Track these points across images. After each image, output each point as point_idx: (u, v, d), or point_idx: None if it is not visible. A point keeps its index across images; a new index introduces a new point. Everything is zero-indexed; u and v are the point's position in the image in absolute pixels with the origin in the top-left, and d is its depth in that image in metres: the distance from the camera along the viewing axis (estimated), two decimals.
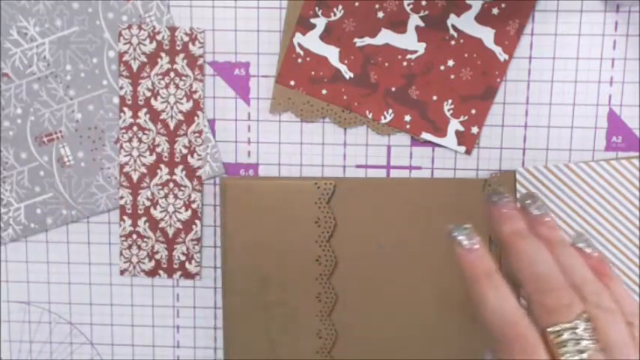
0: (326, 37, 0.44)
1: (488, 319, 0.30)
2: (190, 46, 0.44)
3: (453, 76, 0.44)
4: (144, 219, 0.46)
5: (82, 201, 0.47)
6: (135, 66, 0.45)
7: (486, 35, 0.43)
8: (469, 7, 0.43)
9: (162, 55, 0.45)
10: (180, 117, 0.45)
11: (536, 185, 0.43)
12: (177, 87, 0.45)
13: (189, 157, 0.46)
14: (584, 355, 0.28)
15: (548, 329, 0.28)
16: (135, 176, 0.46)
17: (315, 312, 0.45)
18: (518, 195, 0.43)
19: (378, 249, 0.45)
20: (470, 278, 0.31)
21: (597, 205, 0.43)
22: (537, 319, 0.29)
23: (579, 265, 0.30)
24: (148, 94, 0.45)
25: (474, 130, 0.44)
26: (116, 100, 0.45)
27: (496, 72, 0.43)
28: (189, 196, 0.46)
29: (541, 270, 0.30)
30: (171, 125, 0.45)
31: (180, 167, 0.46)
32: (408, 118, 0.44)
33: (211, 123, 0.46)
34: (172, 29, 0.44)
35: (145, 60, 0.45)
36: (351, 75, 0.44)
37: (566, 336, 0.28)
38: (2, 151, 0.46)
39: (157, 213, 0.46)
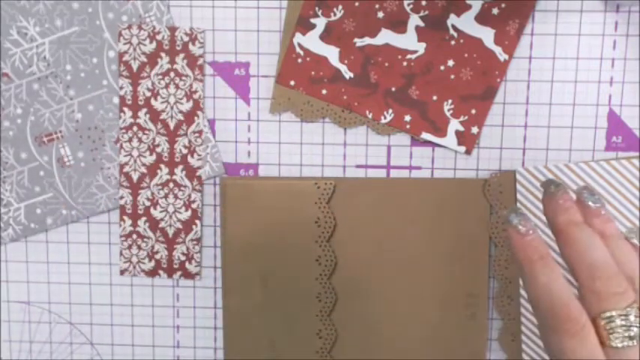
0: (326, 37, 0.44)
1: (539, 299, 0.30)
2: (190, 46, 0.44)
3: (453, 76, 0.44)
4: (144, 219, 0.46)
5: (82, 201, 0.47)
6: (135, 66, 0.45)
7: (486, 35, 0.43)
8: (469, 7, 0.43)
9: (163, 55, 0.45)
10: (180, 117, 0.45)
11: (536, 185, 0.43)
12: (177, 87, 0.45)
13: (189, 157, 0.46)
14: (634, 342, 0.28)
15: (601, 315, 0.29)
16: (135, 176, 0.46)
17: (315, 312, 0.45)
18: (519, 195, 0.43)
19: (379, 249, 0.45)
20: (522, 261, 0.31)
21: None
22: (588, 305, 0.29)
23: (633, 258, 0.31)
24: (148, 94, 0.45)
25: (474, 130, 0.44)
26: (116, 100, 0.45)
27: (496, 72, 0.43)
28: (189, 196, 0.46)
29: (595, 257, 0.30)
30: (171, 125, 0.45)
31: (180, 167, 0.46)
32: (408, 118, 0.44)
33: (211, 123, 0.46)
34: (172, 29, 0.44)
35: (145, 60, 0.45)
36: (351, 75, 0.44)
37: (618, 322, 0.28)
38: (2, 151, 0.46)
39: (156, 213, 0.46)
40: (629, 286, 0.29)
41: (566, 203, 0.32)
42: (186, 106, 0.45)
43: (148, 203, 0.46)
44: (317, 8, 0.43)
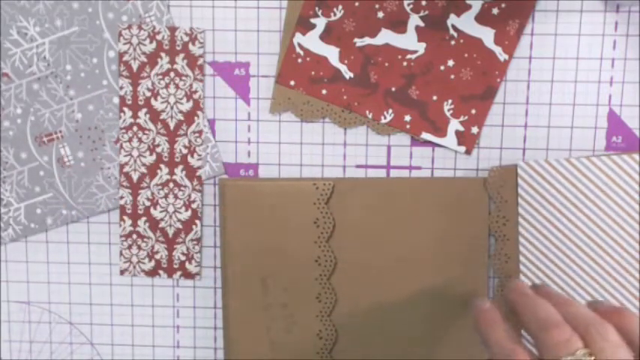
0: (326, 37, 0.44)
1: (492, 351, 0.35)
2: (190, 46, 0.44)
3: (453, 76, 0.44)
4: (144, 219, 0.46)
5: (82, 201, 0.47)
6: (135, 66, 0.45)
7: (486, 35, 0.43)
8: (469, 7, 0.43)
9: (163, 55, 0.45)
10: (180, 117, 0.45)
11: (537, 180, 0.43)
12: (177, 87, 0.45)
13: (189, 157, 0.46)
14: None
15: None
16: (135, 176, 0.46)
17: (315, 312, 0.45)
18: (520, 190, 0.43)
19: (378, 249, 0.45)
20: (481, 327, 0.37)
21: (598, 199, 0.43)
22: (544, 354, 0.32)
23: (582, 310, 0.34)
24: (148, 94, 0.45)
25: (474, 130, 0.44)
26: (116, 100, 0.46)
27: (496, 72, 0.43)
28: (189, 196, 0.46)
29: (540, 314, 0.34)
30: (171, 125, 0.45)
31: (180, 167, 0.46)
32: (408, 118, 0.44)
33: (211, 123, 0.46)
34: (172, 29, 0.44)
35: (145, 60, 0.45)
36: (351, 75, 0.44)
37: None
38: (2, 151, 0.46)
39: (156, 213, 0.46)
40: (575, 332, 0.32)
41: (518, 285, 0.38)
42: (186, 106, 0.45)
43: (148, 203, 0.46)
44: (317, 8, 0.43)
